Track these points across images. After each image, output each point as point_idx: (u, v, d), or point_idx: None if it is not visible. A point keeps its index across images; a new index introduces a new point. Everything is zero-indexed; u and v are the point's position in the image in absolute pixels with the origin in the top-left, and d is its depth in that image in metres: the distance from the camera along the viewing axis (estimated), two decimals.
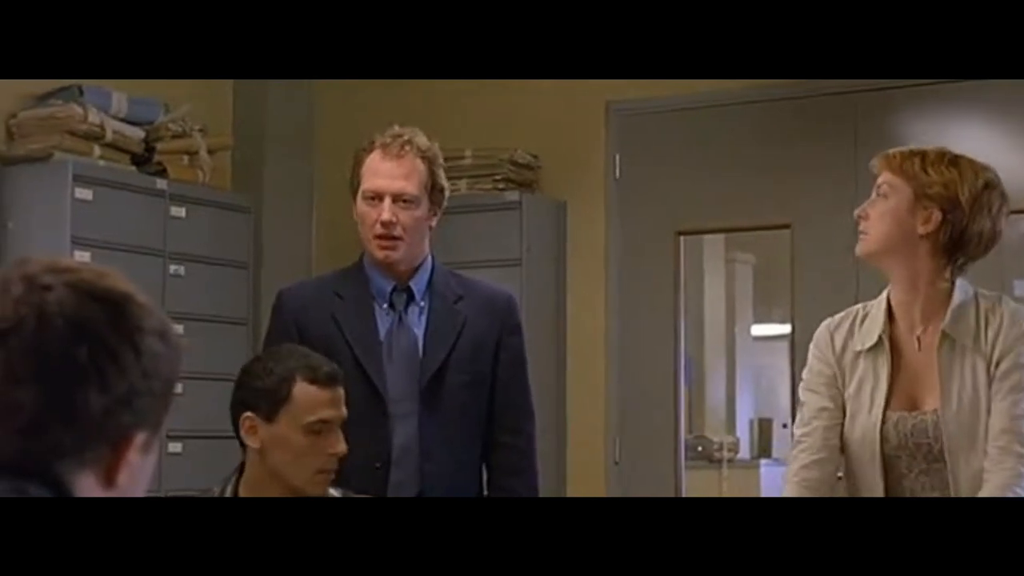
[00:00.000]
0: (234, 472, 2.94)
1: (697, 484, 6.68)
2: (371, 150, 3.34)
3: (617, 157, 5.73)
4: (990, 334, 2.80)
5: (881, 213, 2.84)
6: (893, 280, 2.89)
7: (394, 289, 3.36)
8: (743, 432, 8.58)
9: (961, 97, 5.16)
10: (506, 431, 3.39)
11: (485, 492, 3.40)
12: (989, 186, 2.82)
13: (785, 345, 5.79)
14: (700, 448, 7.85)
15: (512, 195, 5.58)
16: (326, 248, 5.82)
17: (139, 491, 1.42)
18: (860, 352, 2.89)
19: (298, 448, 2.84)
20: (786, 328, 5.67)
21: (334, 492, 2.93)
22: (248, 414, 2.86)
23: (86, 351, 1.36)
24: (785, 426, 7.06)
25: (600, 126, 5.76)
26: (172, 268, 5.16)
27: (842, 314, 2.97)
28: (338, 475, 2.91)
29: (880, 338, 2.86)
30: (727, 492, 7.73)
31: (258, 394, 2.86)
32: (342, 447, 2.87)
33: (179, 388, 1.48)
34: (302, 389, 2.85)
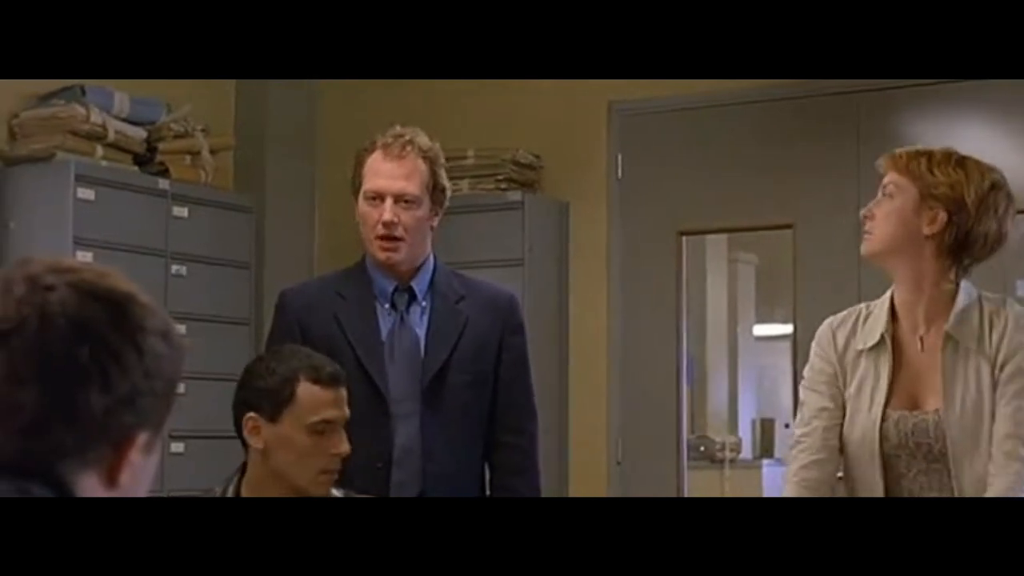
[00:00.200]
0: (236, 472, 2.94)
1: (699, 484, 6.68)
2: (372, 150, 3.34)
3: (619, 157, 5.73)
4: (994, 337, 2.80)
5: (887, 213, 2.84)
6: (897, 280, 2.89)
7: (396, 289, 3.36)
8: (745, 432, 8.58)
9: (963, 97, 5.16)
10: (508, 431, 3.39)
11: (487, 492, 3.40)
12: (995, 187, 2.82)
13: (787, 345, 5.79)
14: (702, 448, 7.85)
15: (514, 195, 5.58)
16: (328, 248, 5.82)
17: (141, 491, 1.42)
18: (862, 351, 2.88)
19: (301, 448, 2.84)
20: (788, 328, 5.67)
21: (336, 492, 2.93)
22: (251, 414, 2.86)
23: (88, 351, 1.36)
24: (787, 426, 7.05)
25: (602, 126, 5.76)
26: (174, 268, 5.16)
27: (845, 312, 2.96)
28: (340, 475, 2.91)
29: (882, 337, 2.85)
30: (729, 492, 7.73)
31: (261, 394, 2.86)
32: (345, 447, 2.88)
33: (181, 388, 1.48)
34: (305, 389, 2.85)
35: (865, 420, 2.84)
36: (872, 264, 2.94)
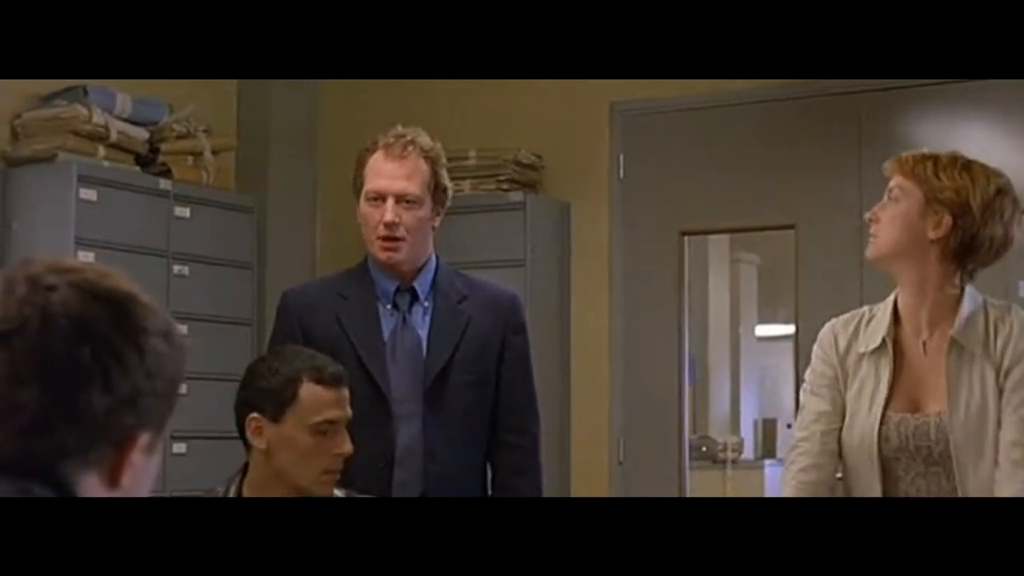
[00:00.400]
0: (238, 472, 2.94)
1: (701, 484, 6.68)
2: (374, 150, 3.34)
3: (621, 157, 5.73)
4: (999, 343, 2.79)
5: (892, 217, 2.83)
6: (902, 284, 2.88)
7: (398, 290, 3.36)
8: (747, 432, 8.58)
9: (966, 97, 5.16)
10: (510, 431, 3.38)
11: (489, 492, 3.40)
12: (1001, 192, 2.81)
13: (789, 345, 5.79)
14: (704, 448, 7.85)
15: (516, 196, 5.58)
16: (330, 248, 5.83)
17: (143, 491, 1.42)
18: (863, 354, 2.88)
19: (304, 448, 2.84)
20: (790, 328, 5.67)
21: (338, 492, 2.93)
22: (254, 415, 2.86)
23: (90, 351, 1.36)
24: (789, 426, 7.04)
25: (604, 126, 5.76)
26: (176, 268, 5.16)
27: (848, 315, 2.96)
28: (343, 475, 2.91)
29: (883, 341, 2.85)
30: (731, 492, 7.74)
31: (264, 395, 2.86)
32: (348, 447, 2.88)
33: (183, 388, 1.48)
34: (308, 390, 2.85)
35: (864, 423, 2.84)
36: (876, 266, 2.94)
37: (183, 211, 5.21)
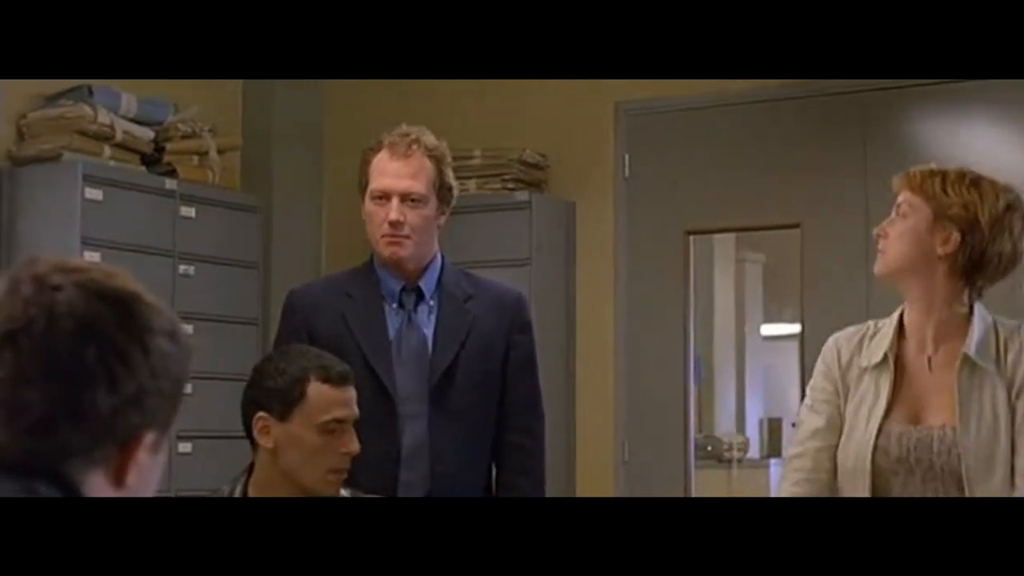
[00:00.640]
0: (243, 472, 2.94)
1: (706, 484, 6.67)
2: (379, 149, 3.34)
3: (626, 157, 5.73)
4: (1010, 362, 2.78)
5: (900, 233, 2.82)
6: (909, 299, 2.86)
7: (403, 289, 3.36)
8: (752, 432, 8.56)
9: (969, 97, 5.15)
10: (515, 430, 3.38)
11: (493, 490, 3.40)
12: (1010, 208, 2.79)
13: (795, 344, 5.78)
14: (709, 448, 7.84)
15: (521, 195, 5.58)
16: (335, 248, 5.83)
17: (148, 491, 1.42)
18: (866, 368, 2.86)
19: (312, 448, 2.84)
20: (796, 327, 5.66)
21: (344, 492, 2.94)
22: (261, 414, 2.86)
23: (95, 351, 1.36)
24: (794, 425, 7.05)
25: (609, 126, 5.75)
26: (182, 268, 5.16)
27: (853, 328, 2.94)
28: (349, 475, 2.92)
29: (885, 356, 2.84)
30: (736, 492, 7.73)
31: (271, 394, 2.87)
32: (355, 446, 2.88)
33: (188, 388, 1.48)
34: (316, 389, 2.86)
35: (861, 436, 2.82)
36: (884, 282, 2.93)
37: (188, 211, 5.21)
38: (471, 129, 5.63)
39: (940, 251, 2.78)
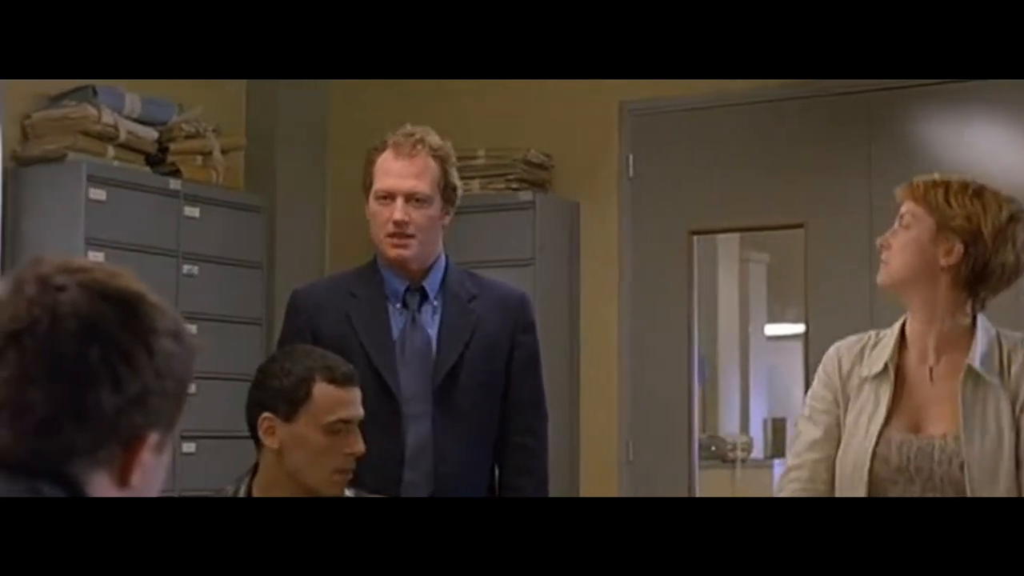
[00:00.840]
0: (248, 472, 2.94)
1: (710, 483, 6.67)
2: (383, 149, 3.34)
3: (630, 157, 5.73)
4: (1014, 374, 2.78)
5: (903, 243, 2.81)
6: (912, 310, 2.86)
7: (408, 289, 3.36)
8: (757, 432, 8.55)
9: (974, 96, 5.15)
10: (519, 431, 3.38)
11: (496, 490, 3.40)
12: (1014, 219, 2.78)
13: (799, 344, 5.78)
14: (713, 448, 7.83)
15: (525, 195, 5.58)
16: (339, 248, 5.83)
17: (152, 491, 1.42)
18: (866, 378, 2.86)
19: (317, 448, 2.84)
20: (800, 327, 5.66)
21: (348, 492, 2.94)
22: (266, 414, 2.86)
23: (99, 351, 1.36)
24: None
25: (613, 126, 5.75)
26: (185, 268, 5.16)
27: (854, 338, 2.94)
28: (353, 475, 2.92)
29: (886, 365, 2.84)
30: (741, 492, 7.72)
31: (277, 394, 2.87)
32: (360, 447, 2.88)
33: (192, 388, 1.48)
34: (321, 389, 2.86)
35: (860, 444, 2.81)
36: (887, 292, 2.92)
37: (192, 211, 5.21)
38: (475, 129, 5.63)
39: (943, 262, 2.78)
